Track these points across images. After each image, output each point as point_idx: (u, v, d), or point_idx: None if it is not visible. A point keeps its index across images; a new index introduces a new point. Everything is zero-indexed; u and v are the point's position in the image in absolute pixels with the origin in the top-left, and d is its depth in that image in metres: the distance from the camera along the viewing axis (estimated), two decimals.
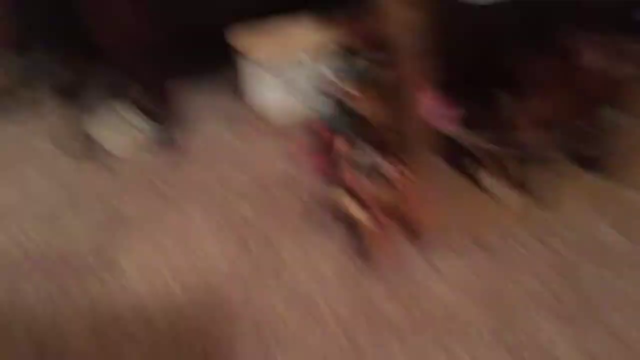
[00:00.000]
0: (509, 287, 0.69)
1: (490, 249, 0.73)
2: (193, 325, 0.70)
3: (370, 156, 0.83)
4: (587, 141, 0.75)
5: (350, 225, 0.68)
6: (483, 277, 0.69)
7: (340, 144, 0.88)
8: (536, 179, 0.81)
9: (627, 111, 0.80)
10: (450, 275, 0.70)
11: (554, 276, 0.69)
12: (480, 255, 0.73)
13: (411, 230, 0.63)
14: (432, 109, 0.77)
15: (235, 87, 1.24)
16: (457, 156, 0.87)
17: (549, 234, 0.78)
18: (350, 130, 0.89)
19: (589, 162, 0.84)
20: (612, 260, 0.77)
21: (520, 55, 0.85)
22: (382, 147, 0.85)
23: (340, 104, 0.91)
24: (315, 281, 0.70)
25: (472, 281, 0.68)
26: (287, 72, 1.19)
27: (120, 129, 1.22)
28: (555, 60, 0.75)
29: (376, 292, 0.68)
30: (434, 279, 0.69)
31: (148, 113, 1.27)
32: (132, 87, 1.31)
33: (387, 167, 0.69)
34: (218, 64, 1.33)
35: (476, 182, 0.87)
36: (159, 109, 1.28)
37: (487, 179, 0.82)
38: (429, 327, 0.66)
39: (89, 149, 1.23)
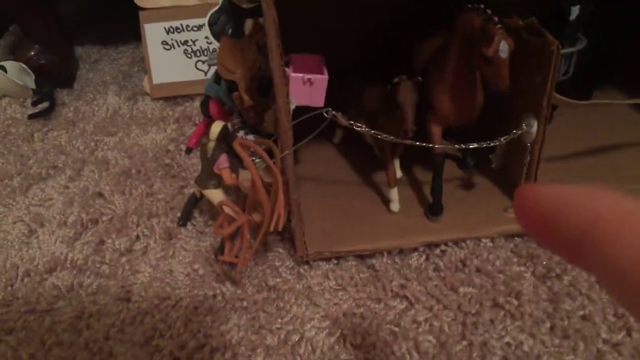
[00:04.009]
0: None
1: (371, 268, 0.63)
2: None
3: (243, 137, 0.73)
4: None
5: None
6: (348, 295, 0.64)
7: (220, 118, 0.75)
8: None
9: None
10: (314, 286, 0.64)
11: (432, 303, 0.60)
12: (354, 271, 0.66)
13: (276, 231, 0.57)
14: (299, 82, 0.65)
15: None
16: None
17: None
18: (230, 103, 0.76)
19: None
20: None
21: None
22: (257, 128, 0.74)
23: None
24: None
25: (333, 298, 0.62)
26: (186, 31, 0.98)
27: None
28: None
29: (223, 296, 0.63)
30: (290, 287, 0.63)
31: (37, 68, 1.05)
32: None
33: (260, 154, 0.59)
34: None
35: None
36: (51, 66, 1.07)
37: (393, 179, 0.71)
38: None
39: None
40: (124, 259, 0.67)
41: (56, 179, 0.82)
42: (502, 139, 0.63)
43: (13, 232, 0.72)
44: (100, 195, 0.78)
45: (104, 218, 0.73)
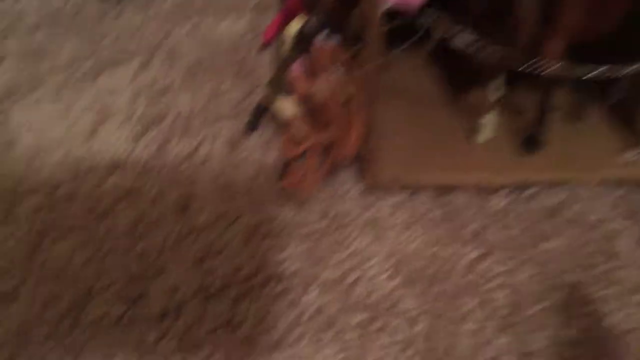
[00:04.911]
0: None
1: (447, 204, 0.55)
2: None
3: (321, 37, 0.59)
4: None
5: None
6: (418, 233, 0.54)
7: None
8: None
9: None
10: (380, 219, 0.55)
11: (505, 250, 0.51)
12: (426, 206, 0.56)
13: (347, 157, 0.49)
14: None
15: None
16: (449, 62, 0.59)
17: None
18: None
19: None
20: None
21: None
22: (341, 27, 0.59)
23: None
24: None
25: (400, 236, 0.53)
26: None
27: None
28: None
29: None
30: (353, 218, 0.55)
31: None
32: None
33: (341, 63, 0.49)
34: None
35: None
36: None
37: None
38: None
39: None
40: (184, 165, 0.64)
41: (126, 65, 0.79)
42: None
43: (79, 124, 0.70)
44: (168, 90, 0.74)
45: (170, 117, 0.70)
